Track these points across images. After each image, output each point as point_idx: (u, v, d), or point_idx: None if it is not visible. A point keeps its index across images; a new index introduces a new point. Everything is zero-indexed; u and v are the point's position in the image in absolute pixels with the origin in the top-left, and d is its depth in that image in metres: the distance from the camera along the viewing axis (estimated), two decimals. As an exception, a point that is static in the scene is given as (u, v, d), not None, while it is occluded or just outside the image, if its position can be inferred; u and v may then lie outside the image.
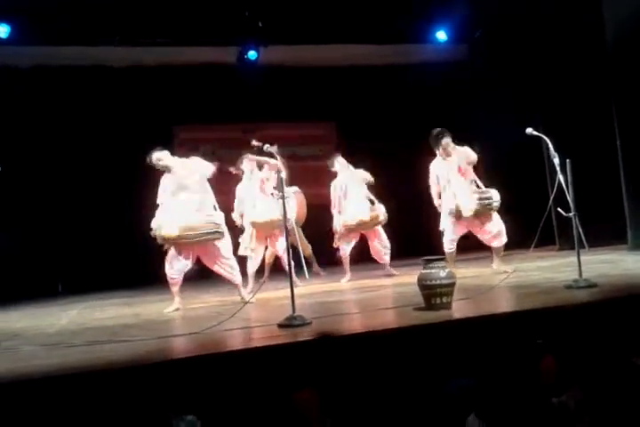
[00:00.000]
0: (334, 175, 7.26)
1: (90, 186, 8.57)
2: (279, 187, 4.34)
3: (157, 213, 5.23)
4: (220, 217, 5.20)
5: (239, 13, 7.51)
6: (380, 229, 6.95)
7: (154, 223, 5.13)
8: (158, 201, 5.27)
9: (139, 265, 8.19)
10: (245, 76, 8.65)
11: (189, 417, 2.75)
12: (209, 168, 5.30)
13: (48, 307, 6.67)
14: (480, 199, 5.84)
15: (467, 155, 6.04)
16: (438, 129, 6.07)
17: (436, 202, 6.24)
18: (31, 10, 6.81)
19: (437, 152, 6.10)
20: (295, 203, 6.68)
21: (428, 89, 9.28)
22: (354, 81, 9.40)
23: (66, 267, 8.36)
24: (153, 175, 8.82)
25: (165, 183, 5.29)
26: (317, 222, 8.11)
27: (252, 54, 8.47)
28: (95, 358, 3.36)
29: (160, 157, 5.26)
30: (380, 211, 6.87)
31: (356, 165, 7.30)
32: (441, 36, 8.68)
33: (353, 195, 6.95)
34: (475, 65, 9.14)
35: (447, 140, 6.01)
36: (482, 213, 5.89)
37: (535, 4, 7.40)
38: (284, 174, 4.27)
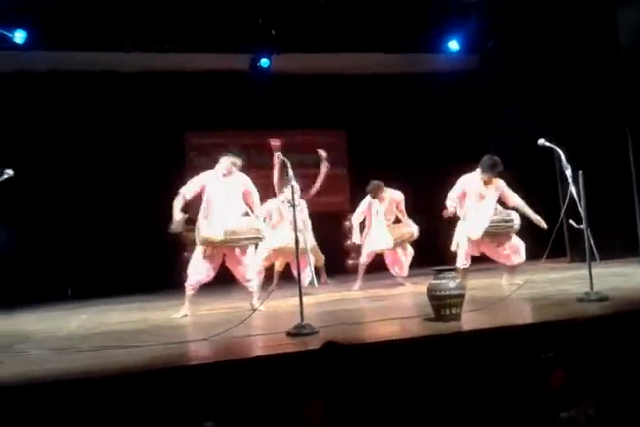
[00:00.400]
0: (344, 182, 7.27)
1: (101, 190, 8.61)
2: (291, 195, 4.34)
3: (202, 215, 5.26)
4: (260, 222, 5.37)
5: (252, 21, 7.55)
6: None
7: (201, 224, 5.16)
8: (184, 193, 5.27)
9: (148, 270, 8.22)
10: (257, 83, 8.69)
11: (209, 424, 2.74)
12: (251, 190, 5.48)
13: (58, 311, 6.69)
14: (498, 221, 5.82)
15: (502, 187, 5.97)
16: (498, 160, 5.91)
17: (449, 210, 6.04)
18: (47, 16, 6.88)
19: (481, 175, 5.94)
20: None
21: (439, 98, 9.28)
22: (365, 89, 9.41)
23: (76, 271, 8.38)
24: (163, 181, 8.89)
25: (209, 182, 5.31)
26: (326, 230, 8.12)
27: (264, 62, 8.50)
28: (103, 364, 3.36)
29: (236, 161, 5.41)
30: (415, 228, 6.91)
31: (365, 176, 7.32)
32: (453, 45, 8.68)
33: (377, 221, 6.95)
34: (486, 75, 9.13)
35: (493, 175, 5.90)
36: (499, 235, 5.89)
37: (547, 15, 7.39)
38: (294, 183, 4.26)
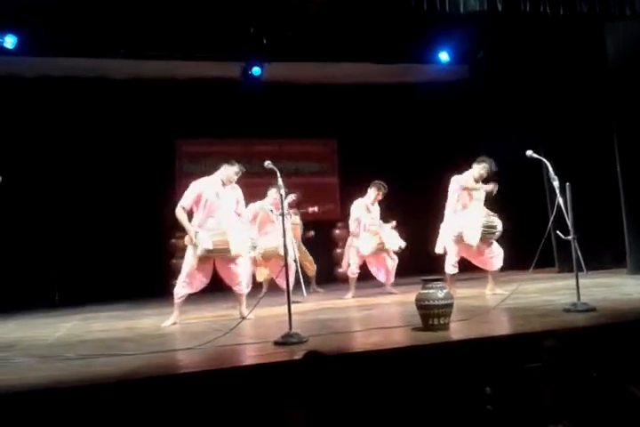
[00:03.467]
0: (335, 190, 7.30)
1: (89, 197, 8.57)
2: (279, 204, 4.34)
3: (196, 224, 5.21)
4: (253, 232, 5.39)
5: (244, 29, 7.57)
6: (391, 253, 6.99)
7: (197, 235, 5.10)
8: (184, 206, 5.22)
9: (136, 278, 8.18)
10: (249, 91, 8.70)
11: None
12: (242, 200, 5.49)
13: (44, 318, 6.64)
14: (484, 227, 5.83)
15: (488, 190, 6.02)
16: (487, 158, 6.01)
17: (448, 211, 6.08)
18: (37, 22, 6.85)
19: (472, 171, 6.01)
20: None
21: (429, 109, 9.33)
22: (356, 99, 9.46)
23: (63, 278, 8.32)
24: (153, 188, 8.87)
25: (206, 189, 5.26)
26: (316, 238, 8.14)
27: (255, 70, 8.51)
28: (88, 372, 3.34)
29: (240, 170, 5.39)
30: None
31: (355, 184, 7.34)
32: (443, 56, 8.73)
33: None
34: (476, 86, 9.20)
35: (487, 171, 5.97)
36: (482, 240, 5.89)
37: (536, 27, 7.45)
38: (283, 191, 4.26)
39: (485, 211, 5.99)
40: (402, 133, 9.70)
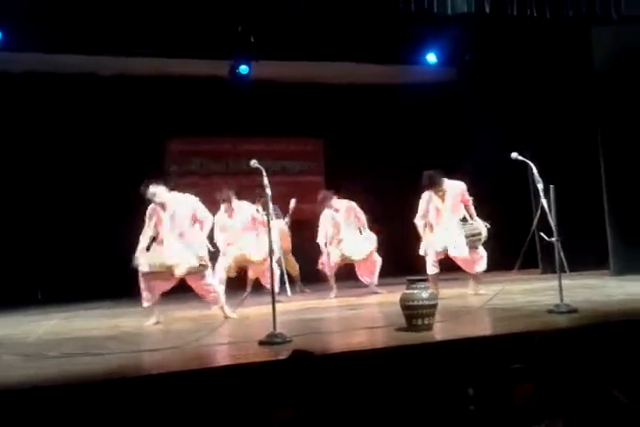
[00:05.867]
0: (320, 190, 7.32)
1: (74, 195, 8.48)
2: (265, 205, 4.33)
3: (141, 243, 5.17)
4: (204, 250, 5.14)
5: (232, 28, 7.55)
6: (373, 257, 6.97)
7: (139, 255, 5.08)
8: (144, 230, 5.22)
9: (120, 275, 8.08)
10: (236, 90, 8.67)
11: None
12: (198, 208, 5.26)
13: (27, 316, 6.57)
14: (467, 236, 5.88)
15: (461, 190, 6.05)
16: (430, 172, 6.02)
17: (420, 231, 6.20)
18: (24, 17, 6.79)
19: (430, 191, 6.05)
20: (278, 236, 6.44)
21: (415, 110, 9.36)
22: (343, 99, 9.45)
23: (46, 275, 8.25)
24: (139, 186, 8.79)
25: (152, 214, 5.22)
26: (301, 238, 8.12)
27: (243, 68, 8.49)
28: (70, 371, 3.32)
29: (156, 192, 5.17)
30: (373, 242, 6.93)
31: (342, 183, 7.35)
32: (431, 58, 8.77)
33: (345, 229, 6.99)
34: (463, 88, 9.24)
35: (440, 182, 5.98)
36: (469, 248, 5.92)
37: (524, 30, 7.50)
38: (269, 191, 4.24)
39: (467, 223, 6.00)
40: (388, 134, 9.71)
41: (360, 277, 7.08)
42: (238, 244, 6.21)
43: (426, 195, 6.11)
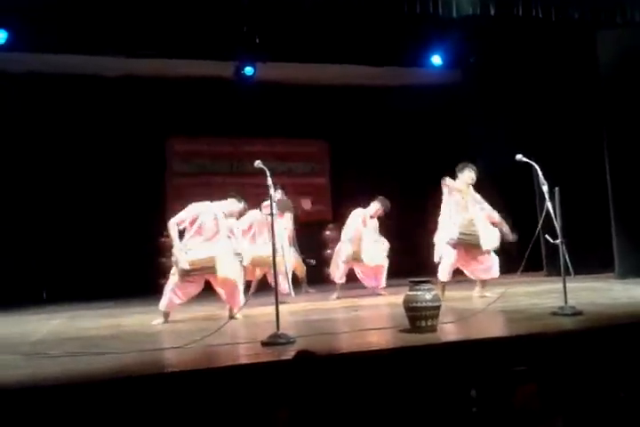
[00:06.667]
0: (326, 192, 7.30)
1: (79, 195, 8.52)
2: (269, 204, 4.34)
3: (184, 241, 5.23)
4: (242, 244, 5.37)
5: (237, 29, 7.56)
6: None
7: (181, 254, 5.12)
8: (178, 223, 5.26)
9: (124, 275, 8.13)
10: (241, 91, 8.69)
11: None
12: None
13: (31, 315, 6.58)
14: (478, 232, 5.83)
15: (481, 201, 6.01)
16: (468, 162, 6.03)
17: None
18: (28, 17, 6.81)
19: (460, 180, 5.97)
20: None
21: (420, 112, 9.36)
22: (348, 101, 9.46)
23: (51, 275, 8.27)
24: (143, 186, 8.85)
25: (196, 214, 5.29)
26: (307, 239, 8.12)
27: (248, 70, 8.51)
28: (73, 370, 3.32)
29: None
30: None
31: (346, 186, 7.33)
32: (436, 60, 8.77)
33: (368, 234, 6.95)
34: (468, 90, 9.23)
35: (473, 172, 5.96)
36: (475, 247, 5.87)
37: (529, 32, 7.50)
38: (272, 191, 4.25)
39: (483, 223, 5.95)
40: (393, 136, 9.71)
41: (362, 280, 7.07)
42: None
43: (451, 183, 5.97)
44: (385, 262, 6.94)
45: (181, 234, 5.30)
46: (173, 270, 5.23)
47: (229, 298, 5.29)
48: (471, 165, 6.01)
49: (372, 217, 7.00)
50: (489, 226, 5.90)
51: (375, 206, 6.98)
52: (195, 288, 5.29)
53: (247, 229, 6.43)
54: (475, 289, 6.11)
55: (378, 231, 7.06)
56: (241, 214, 5.56)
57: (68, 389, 2.95)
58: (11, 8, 6.50)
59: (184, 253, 5.12)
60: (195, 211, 5.31)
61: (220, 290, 5.32)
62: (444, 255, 5.93)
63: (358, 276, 7.09)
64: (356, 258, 6.87)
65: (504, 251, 6.15)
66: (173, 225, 5.22)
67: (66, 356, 3.77)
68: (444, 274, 5.93)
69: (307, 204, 7.39)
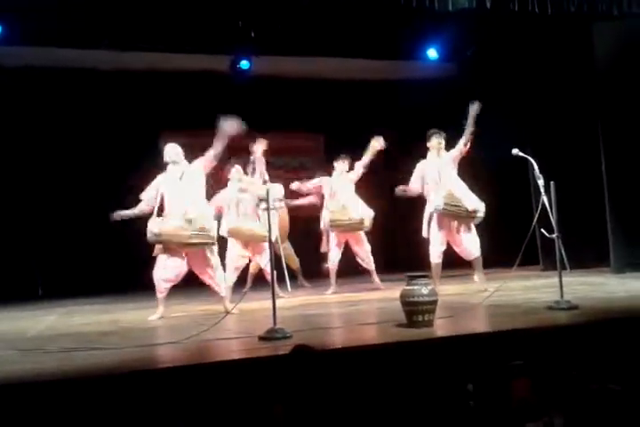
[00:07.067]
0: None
1: (74, 189, 8.49)
2: (265, 197, 4.33)
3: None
4: (213, 225, 5.26)
5: (233, 22, 7.52)
6: (362, 235, 6.93)
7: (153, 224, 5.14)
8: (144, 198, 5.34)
9: (121, 271, 8.12)
10: (237, 84, 8.65)
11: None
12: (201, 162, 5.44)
13: (27, 310, 6.57)
14: (463, 203, 5.89)
15: (452, 157, 6.15)
16: (434, 129, 6.21)
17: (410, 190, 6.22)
18: (23, 11, 6.76)
19: (430, 149, 6.17)
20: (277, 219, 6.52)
21: (416, 105, 9.33)
22: (344, 94, 9.44)
23: (47, 270, 8.25)
24: (138, 180, 8.80)
25: (159, 182, 5.31)
26: (304, 234, 8.12)
27: (244, 64, 8.47)
28: (70, 366, 3.32)
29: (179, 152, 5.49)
30: (367, 215, 6.85)
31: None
32: (432, 53, 8.75)
33: (343, 195, 6.97)
34: (464, 84, 9.21)
35: (440, 139, 6.15)
36: (461, 219, 5.93)
37: (525, 26, 7.48)
38: (269, 184, 4.25)
39: (468, 194, 6.01)
40: (388, 130, 9.67)
41: (359, 261, 7.01)
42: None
43: (423, 162, 6.26)
44: (368, 220, 6.83)
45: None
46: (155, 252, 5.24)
47: (209, 278, 5.28)
48: (437, 131, 6.24)
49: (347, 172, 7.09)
50: (469, 193, 5.98)
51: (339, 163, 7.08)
52: (176, 266, 5.23)
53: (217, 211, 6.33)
54: (474, 276, 6.14)
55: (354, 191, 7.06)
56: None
57: (65, 384, 2.95)
58: (6, 2, 6.46)
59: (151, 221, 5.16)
60: (155, 181, 5.38)
61: (199, 270, 5.29)
62: (431, 234, 5.98)
63: (357, 259, 7.02)
64: (335, 220, 6.84)
65: (500, 244, 6.17)
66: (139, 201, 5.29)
67: (62, 351, 3.77)
68: (434, 255, 5.99)
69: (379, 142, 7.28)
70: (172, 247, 5.22)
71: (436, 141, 6.18)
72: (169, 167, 5.36)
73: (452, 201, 5.91)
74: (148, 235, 5.12)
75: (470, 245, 6.00)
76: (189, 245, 5.19)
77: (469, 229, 6.00)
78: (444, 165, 6.10)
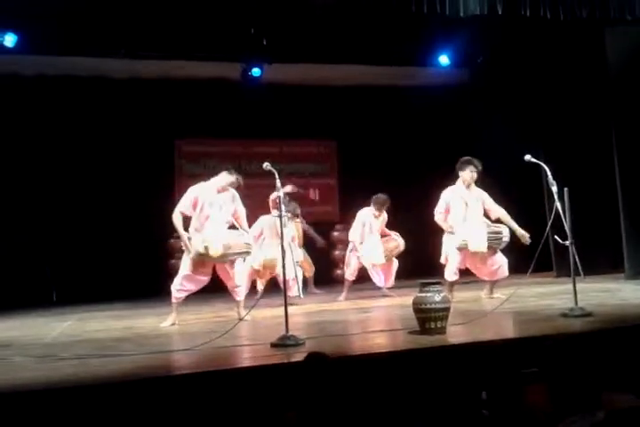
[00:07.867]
0: (334, 192, 7.34)
1: (89, 196, 8.56)
2: (278, 205, 4.35)
3: (193, 228, 5.22)
4: (249, 237, 5.36)
5: (245, 30, 7.57)
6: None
7: (198, 239, 5.09)
8: (183, 211, 5.23)
9: (133, 278, 8.17)
10: (249, 92, 8.70)
11: None
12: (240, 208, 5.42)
13: (41, 317, 6.61)
14: (489, 233, 5.80)
15: (484, 198, 5.99)
16: (469, 158, 5.99)
17: (445, 227, 6.01)
18: (38, 20, 6.85)
19: (461, 179, 5.97)
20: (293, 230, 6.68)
21: (428, 112, 9.34)
22: (356, 101, 9.46)
23: (61, 277, 8.31)
24: (152, 188, 8.87)
25: (202, 194, 5.26)
26: (314, 240, 8.13)
27: (255, 71, 8.52)
28: (84, 373, 3.34)
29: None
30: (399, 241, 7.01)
31: (354, 186, 7.34)
32: (443, 60, 8.75)
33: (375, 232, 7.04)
34: (475, 90, 9.20)
35: (474, 174, 5.93)
36: (488, 249, 5.84)
37: (537, 31, 7.46)
38: (282, 193, 4.27)
39: (486, 221, 5.95)
40: (401, 136, 9.70)
41: (372, 278, 7.05)
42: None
43: (451, 189, 6.01)
44: (380, 260, 6.90)
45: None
46: (184, 259, 5.23)
47: (232, 282, 5.31)
48: (472, 162, 5.94)
49: (376, 217, 7.03)
50: (483, 228, 5.84)
51: (372, 209, 7.03)
52: (203, 276, 5.25)
53: (258, 235, 6.44)
54: (484, 290, 6.10)
55: (383, 229, 7.10)
56: (235, 187, 5.40)
57: (80, 391, 2.97)
58: (21, 12, 6.55)
59: (195, 237, 5.10)
60: (193, 193, 5.28)
61: (224, 274, 5.31)
62: (450, 256, 5.93)
63: (370, 274, 7.06)
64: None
65: (514, 251, 6.13)
66: (177, 214, 5.19)
67: (77, 358, 3.79)
68: (450, 274, 5.93)
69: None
70: (208, 262, 5.24)
71: (469, 175, 5.92)
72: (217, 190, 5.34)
73: (476, 240, 5.78)
74: (193, 254, 5.10)
75: (492, 269, 5.93)
76: (226, 259, 5.21)
77: (494, 253, 5.92)
78: (474, 201, 5.95)
